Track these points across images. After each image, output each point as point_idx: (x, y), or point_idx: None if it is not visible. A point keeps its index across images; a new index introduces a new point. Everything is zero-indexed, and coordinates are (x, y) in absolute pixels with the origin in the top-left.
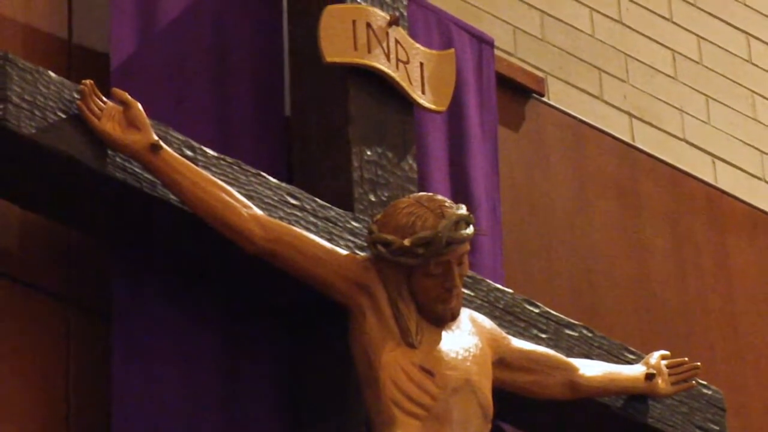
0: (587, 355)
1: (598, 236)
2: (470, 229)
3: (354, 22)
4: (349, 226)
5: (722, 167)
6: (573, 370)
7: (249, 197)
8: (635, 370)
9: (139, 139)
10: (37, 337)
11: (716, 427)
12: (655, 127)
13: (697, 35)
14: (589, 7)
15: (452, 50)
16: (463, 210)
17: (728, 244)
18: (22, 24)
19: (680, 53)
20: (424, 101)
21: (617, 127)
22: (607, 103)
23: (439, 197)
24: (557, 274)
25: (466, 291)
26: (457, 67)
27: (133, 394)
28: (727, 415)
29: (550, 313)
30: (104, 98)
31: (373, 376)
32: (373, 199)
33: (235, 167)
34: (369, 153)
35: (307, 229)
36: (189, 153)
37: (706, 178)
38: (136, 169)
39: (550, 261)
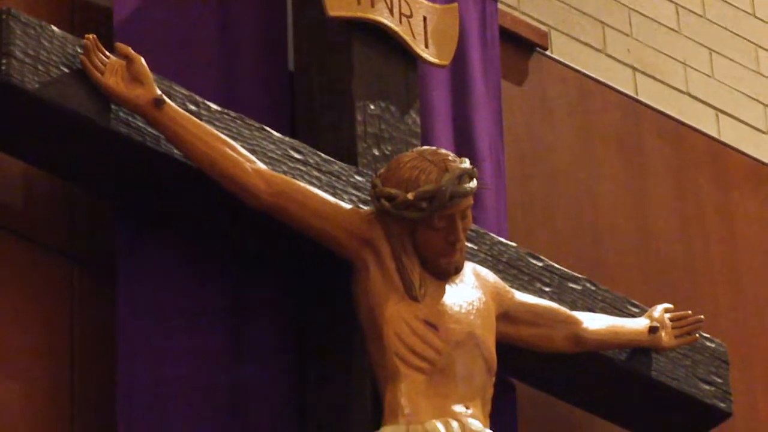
0: (590, 309)
1: (602, 190)
2: (474, 183)
3: None
4: (352, 180)
5: (726, 121)
6: (576, 323)
7: (252, 151)
8: (638, 324)
9: (142, 94)
10: (40, 293)
11: (720, 380)
12: (659, 80)
13: None
14: None
15: (455, 4)
16: (466, 164)
17: (731, 197)
18: None
19: (683, 6)
20: (427, 55)
21: (620, 81)
22: (610, 57)
23: (443, 151)
24: (561, 228)
25: (469, 245)
26: (461, 21)
27: (137, 349)
28: (730, 368)
29: (553, 266)
30: (107, 53)
31: (377, 331)
32: (376, 153)
33: (238, 121)
34: (372, 107)
35: (311, 184)
36: (192, 107)
37: (709, 132)
38: (140, 124)
39: (553, 214)
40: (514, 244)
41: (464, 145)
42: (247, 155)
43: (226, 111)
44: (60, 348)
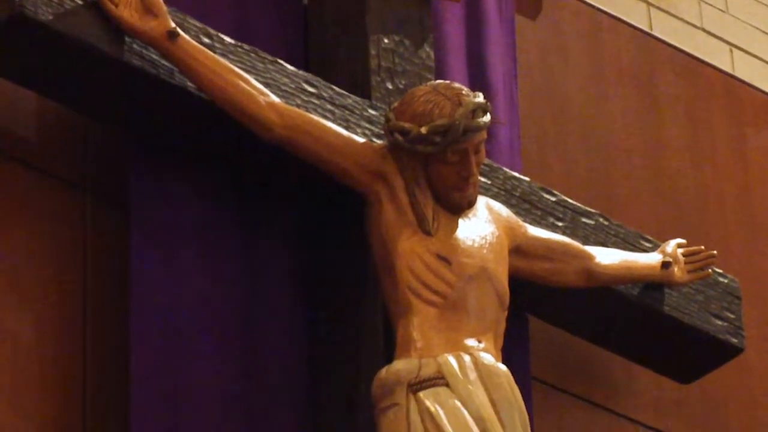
0: (603, 244)
1: (615, 125)
2: (487, 117)
3: None
4: (366, 114)
5: (740, 56)
6: (589, 258)
7: (266, 85)
8: (651, 259)
9: (156, 26)
10: (53, 224)
11: (732, 315)
12: (673, 15)
13: None
14: None
15: None
16: (480, 98)
17: (745, 132)
18: None
19: None
20: None
21: (635, 15)
22: None
23: (457, 85)
24: (574, 163)
25: (482, 179)
26: None
27: (151, 282)
28: (742, 304)
29: (566, 201)
30: None
31: (389, 265)
32: (390, 87)
33: (252, 55)
34: (386, 41)
35: (324, 117)
36: (206, 40)
37: (723, 67)
38: (154, 56)
39: (566, 149)
40: (527, 178)
41: (478, 80)
42: (261, 88)
43: (239, 44)
44: (73, 278)
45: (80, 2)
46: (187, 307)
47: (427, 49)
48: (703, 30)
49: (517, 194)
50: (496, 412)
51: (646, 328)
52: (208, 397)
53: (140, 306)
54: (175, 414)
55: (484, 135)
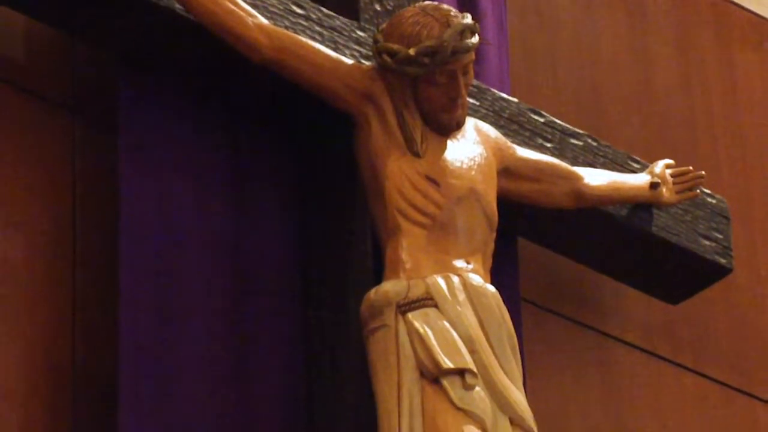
0: (592, 165)
1: (604, 46)
2: (476, 39)
3: None
4: (354, 35)
5: None
6: (577, 179)
7: (254, 6)
8: (639, 179)
9: None
10: (43, 146)
11: (720, 236)
12: None
13: None
14: None
15: None
16: (468, 19)
17: (734, 53)
18: None
19: None
20: None
21: None
22: None
23: (445, 6)
24: (562, 84)
25: (471, 100)
26: None
27: (140, 201)
28: (731, 224)
29: (554, 122)
30: None
31: (378, 186)
32: (378, 8)
33: None
34: None
35: (313, 39)
36: None
37: None
38: None
39: (555, 71)
40: (515, 99)
41: (466, 1)
42: (249, 10)
43: None
44: (63, 201)
45: None
46: (176, 231)
47: None
48: None
49: (506, 115)
50: (485, 333)
51: (634, 248)
52: (197, 316)
53: (129, 230)
54: (165, 332)
55: (472, 56)
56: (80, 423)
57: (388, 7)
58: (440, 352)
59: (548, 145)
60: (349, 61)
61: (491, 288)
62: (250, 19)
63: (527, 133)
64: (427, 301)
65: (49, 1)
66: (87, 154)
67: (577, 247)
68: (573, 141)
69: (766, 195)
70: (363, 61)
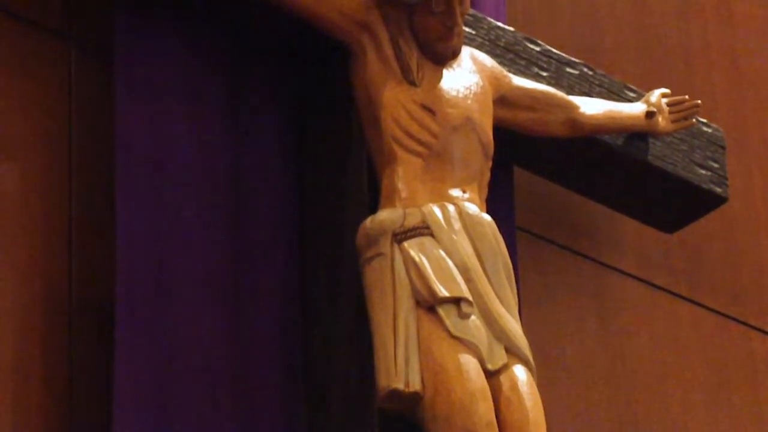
0: (588, 94)
1: None
2: None
3: None
4: None
5: None
6: (573, 108)
7: None
8: (635, 108)
9: None
10: (38, 74)
11: (716, 165)
12: None
13: None
14: None
15: None
16: None
17: None
18: None
19: None
20: None
21: None
22: None
23: None
24: (558, 13)
25: (467, 29)
26: None
27: (135, 132)
28: (727, 153)
29: (551, 51)
30: None
31: (374, 115)
32: None
33: None
34: None
35: None
36: None
37: None
38: None
39: None
40: (511, 28)
41: None
42: None
43: None
44: (58, 129)
45: None
46: (173, 157)
47: None
48: None
49: (502, 44)
50: (481, 262)
51: (630, 177)
52: (195, 243)
53: (126, 157)
54: (161, 260)
55: None
56: (76, 353)
57: None
58: (436, 281)
59: (544, 74)
60: None
61: (487, 217)
62: None
63: (523, 62)
64: (423, 229)
65: None
66: (83, 81)
67: (573, 175)
68: (569, 70)
69: (762, 124)
70: None
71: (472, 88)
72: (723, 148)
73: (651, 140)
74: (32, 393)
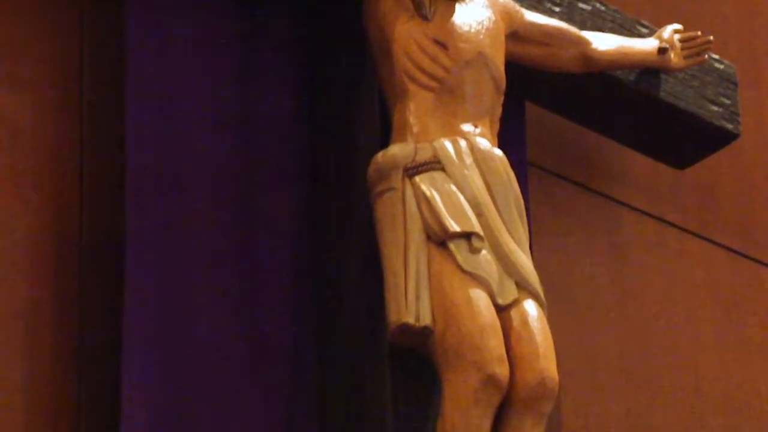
0: (600, 29)
1: None
2: None
3: None
4: None
5: None
6: (586, 43)
7: None
8: (648, 44)
9: None
10: (51, 11)
11: (728, 101)
12: None
13: None
14: None
15: None
16: None
17: None
18: None
19: None
20: None
21: None
22: None
23: None
24: None
25: None
26: None
27: (148, 69)
28: (739, 89)
29: None
30: None
31: (386, 50)
32: None
33: None
34: None
35: None
36: None
37: None
38: None
39: None
40: None
41: None
42: None
43: None
44: (70, 66)
45: None
46: (184, 96)
47: None
48: None
49: None
50: (492, 197)
51: (642, 113)
52: (204, 182)
53: (136, 94)
54: (170, 198)
55: None
56: (87, 288)
57: None
58: (447, 216)
59: (556, 9)
60: None
61: (498, 152)
62: None
63: None
64: (435, 164)
65: None
66: (95, 16)
67: (585, 111)
68: (581, 5)
69: None
70: None
71: (485, 22)
72: (735, 84)
73: (663, 76)
74: (43, 328)
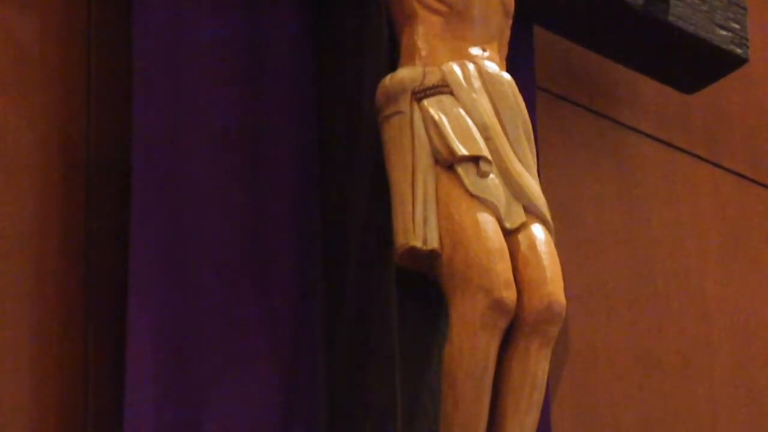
0: None
1: None
2: None
3: None
4: None
5: None
6: None
7: None
8: None
9: None
10: None
11: (737, 26)
12: None
13: None
14: None
15: None
16: None
17: None
18: None
19: None
20: None
21: None
22: None
23: None
24: None
25: None
26: None
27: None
28: (747, 14)
29: None
30: None
31: None
32: None
33: None
34: None
35: None
36: None
37: None
38: None
39: None
40: None
41: None
42: None
43: None
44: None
45: None
46: (190, 29)
47: None
48: None
49: None
50: (500, 121)
51: (650, 37)
52: (211, 106)
53: (143, 23)
54: (177, 119)
55: None
56: (94, 212)
57: None
58: (455, 139)
59: None
60: None
61: (507, 75)
62: None
63: None
64: (443, 88)
65: None
66: None
67: (593, 35)
68: None
69: None
70: None
71: None
72: (744, 9)
73: (672, 0)
74: (49, 253)
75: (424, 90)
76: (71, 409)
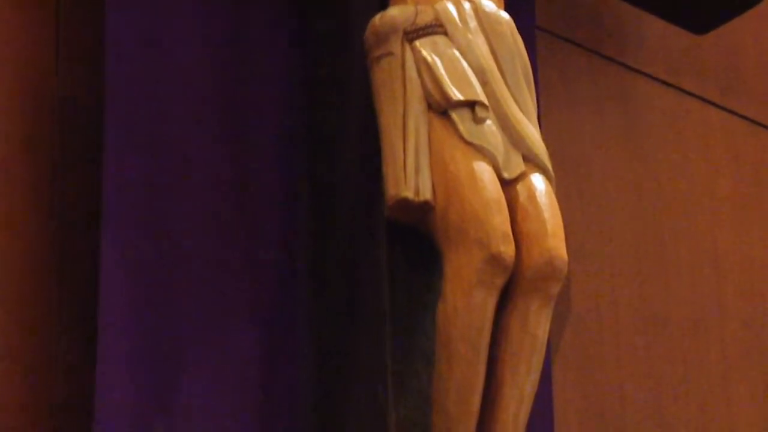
0: None
1: None
2: None
3: None
4: None
5: None
6: None
7: None
8: None
9: None
10: None
11: None
12: None
13: None
14: None
15: None
16: None
17: None
18: None
19: None
20: None
21: None
22: None
23: None
24: None
25: None
26: None
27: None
28: None
29: None
30: None
31: None
32: None
33: None
34: None
35: None
36: None
37: None
38: None
39: None
40: None
41: None
42: None
43: None
44: None
45: None
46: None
47: None
48: None
49: None
50: (497, 62)
51: None
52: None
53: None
54: (151, 65)
55: None
56: (63, 150)
57: None
58: (449, 83)
59: None
60: None
61: (505, 15)
62: None
63: None
64: (436, 27)
65: None
66: None
67: None
68: None
69: None
70: None
71: None
72: None
73: None
74: (16, 195)
75: (417, 30)
76: (43, 367)
